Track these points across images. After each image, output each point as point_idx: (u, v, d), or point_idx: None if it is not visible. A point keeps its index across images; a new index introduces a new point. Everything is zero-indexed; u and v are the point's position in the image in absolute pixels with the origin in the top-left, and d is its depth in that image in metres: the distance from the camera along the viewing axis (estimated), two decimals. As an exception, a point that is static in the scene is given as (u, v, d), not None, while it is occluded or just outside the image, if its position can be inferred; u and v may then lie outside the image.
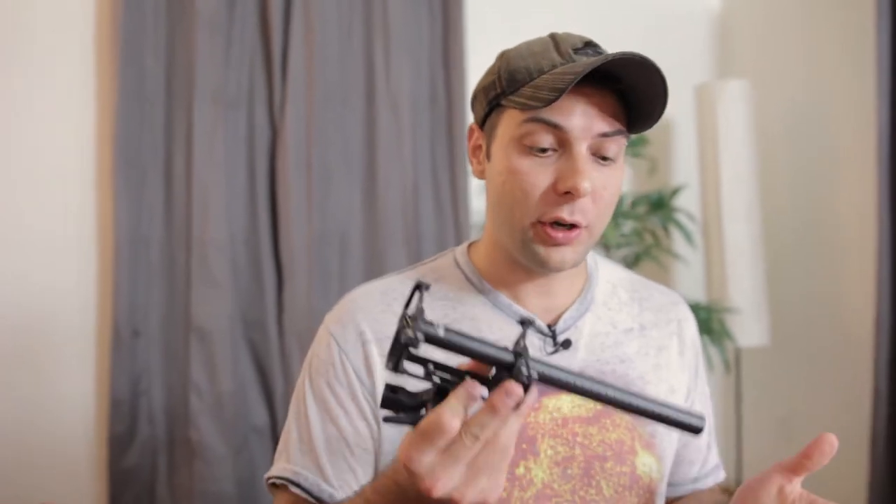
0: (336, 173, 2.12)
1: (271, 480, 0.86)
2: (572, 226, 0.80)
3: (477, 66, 2.24)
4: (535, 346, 0.87)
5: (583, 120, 0.78)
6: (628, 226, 2.34)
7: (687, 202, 2.46)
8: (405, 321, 0.58)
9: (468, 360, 0.61)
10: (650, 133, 2.41)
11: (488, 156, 0.86)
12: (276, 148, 2.09)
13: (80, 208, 2.03)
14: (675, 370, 0.97)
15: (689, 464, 1.02)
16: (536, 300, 0.89)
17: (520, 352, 0.59)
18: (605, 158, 0.81)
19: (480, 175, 0.89)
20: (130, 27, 1.98)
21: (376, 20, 2.14)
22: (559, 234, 0.80)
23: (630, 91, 0.80)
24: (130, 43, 1.99)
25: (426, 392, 0.62)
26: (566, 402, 0.87)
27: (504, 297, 0.88)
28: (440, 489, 0.58)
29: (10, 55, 1.97)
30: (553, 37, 0.84)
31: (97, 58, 2.04)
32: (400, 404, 0.61)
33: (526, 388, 0.59)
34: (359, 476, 0.84)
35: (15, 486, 1.94)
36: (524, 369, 0.59)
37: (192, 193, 2.01)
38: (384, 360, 0.83)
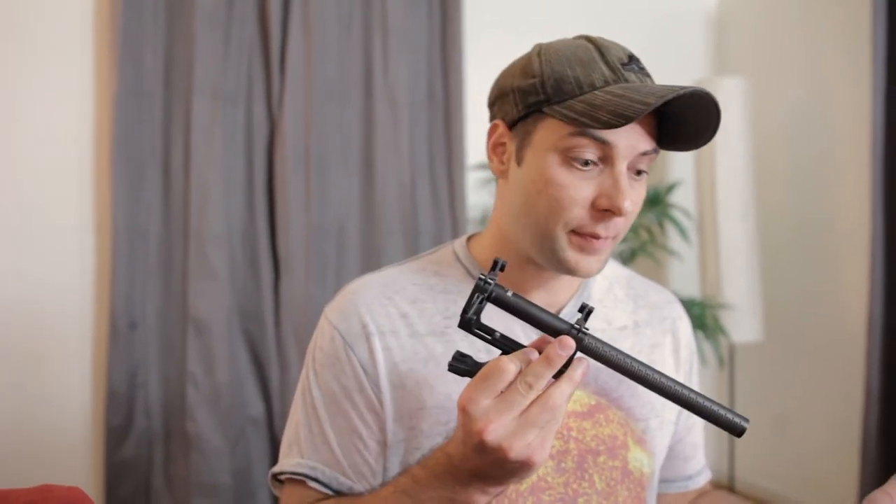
0: (334, 168, 2.13)
1: (285, 475, 0.86)
2: (605, 237, 0.82)
3: (475, 62, 2.24)
4: (532, 340, 0.88)
5: (629, 139, 0.79)
6: (624, 222, 2.35)
7: (682, 198, 2.47)
8: (479, 277, 0.66)
9: (534, 340, 0.68)
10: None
11: (518, 160, 0.84)
12: (274, 142, 2.10)
13: (79, 201, 2.04)
14: (669, 369, 0.98)
15: (684, 460, 1.04)
16: (540, 295, 0.90)
17: (576, 325, 0.66)
18: (638, 173, 0.82)
19: (502, 174, 0.88)
20: (130, 21, 1.99)
21: (375, 16, 2.15)
22: (596, 243, 0.81)
23: (677, 116, 0.80)
24: (129, 37, 1.99)
25: (491, 360, 0.67)
26: None
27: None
28: (492, 433, 0.63)
29: (7, 49, 1.97)
30: (594, 43, 0.82)
31: (96, 52, 2.04)
32: (465, 366, 0.68)
33: (577, 348, 0.65)
34: (373, 467, 0.85)
35: (12, 477, 1.95)
36: (577, 332, 0.66)
37: (190, 187, 2.01)
38: (385, 353, 0.84)
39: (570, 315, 0.91)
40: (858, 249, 2.16)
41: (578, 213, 0.79)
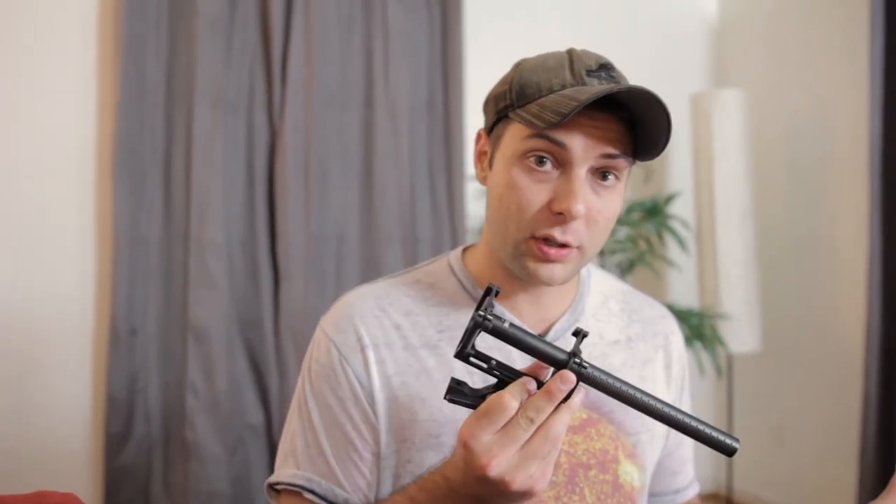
0: (334, 176, 2.14)
1: (280, 486, 0.87)
2: (563, 244, 0.80)
3: (475, 72, 2.26)
4: (525, 356, 0.89)
5: (585, 141, 0.78)
6: (623, 232, 2.36)
7: (681, 209, 2.48)
8: (477, 313, 0.66)
9: (529, 364, 0.69)
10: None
11: (491, 164, 0.86)
12: (274, 150, 2.11)
13: (80, 208, 2.05)
14: (661, 383, 0.98)
15: (673, 474, 1.03)
16: (530, 310, 0.90)
17: (574, 352, 0.66)
18: (604, 178, 0.81)
19: (483, 181, 0.89)
20: (132, 29, 2.00)
21: (376, 25, 2.16)
22: (551, 251, 0.80)
23: (637, 121, 0.80)
24: (132, 44, 2.00)
25: (488, 388, 0.68)
26: None
27: (498, 306, 0.89)
28: (495, 468, 0.63)
29: (10, 56, 1.98)
30: (570, 53, 0.83)
31: (99, 59, 2.05)
32: (463, 394, 0.68)
33: (577, 380, 0.65)
34: (368, 478, 0.85)
35: (12, 483, 1.95)
36: (576, 360, 0.66)
37: (191, 195, 2.02)
38: (379, 365, 0.85)
39: (563, 330, 0.91)
40: (856, 260, 2.17)
41: (534, 217, 0.80)
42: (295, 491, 0.85)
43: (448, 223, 2.21)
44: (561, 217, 0.79)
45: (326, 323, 0.90)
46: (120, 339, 1.98)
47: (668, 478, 1.03)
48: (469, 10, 2.30)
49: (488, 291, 0.67)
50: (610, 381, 0.67)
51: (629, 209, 2.38)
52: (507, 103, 0.82)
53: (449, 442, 0.84)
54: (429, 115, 2.22)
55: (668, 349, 1.01)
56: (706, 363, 2.33)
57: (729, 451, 0.68)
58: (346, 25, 2.16)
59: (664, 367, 0.99)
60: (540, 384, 0.66)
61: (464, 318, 0.87)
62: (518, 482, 0.64)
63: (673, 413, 0.67)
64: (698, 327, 2.24)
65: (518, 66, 0.85)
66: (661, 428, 0.97)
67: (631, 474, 0.92)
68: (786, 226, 2.52)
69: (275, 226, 2.10)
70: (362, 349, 0.86)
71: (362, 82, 2.17)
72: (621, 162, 0.81)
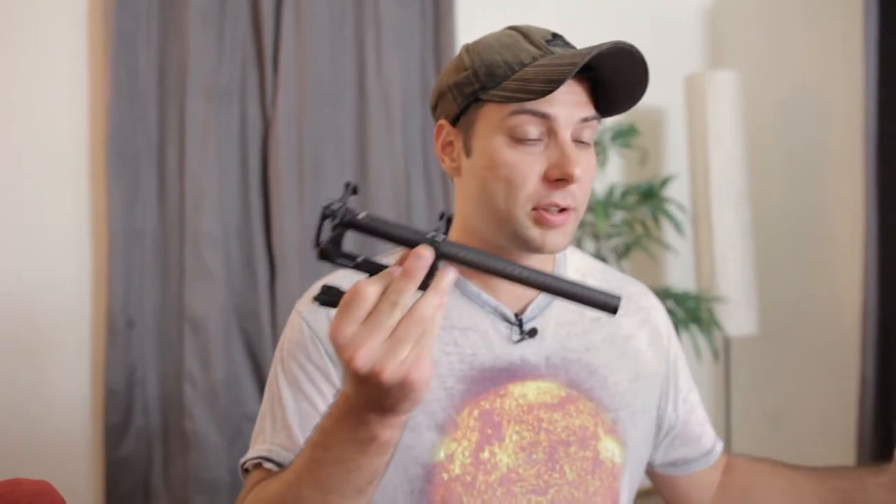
0: (328, 166, 2.13)
1: (245, 466, 0.88)
2: (562, 209, 0.83)
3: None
4: (503, 334, 0.90)
5: (566, 108, 0.82)
6: (619, 216, 2.36)
7: (677, 192, 2.48)
8: (326, 206, 0.62)
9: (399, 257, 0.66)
10: (640, 123, 2.43)
11: (467, 151, 0.87)
12: (268, 141, 2.10)
13: (74, 201, 2.04)
14: (646, 358, 0.99)
15: (697, 439, 1.05)
16: (507, 288, 0.91)
17: (434, 233, 0.63)
18: (583, 142, 0.84)
19: (454, 172, 0.90)
20: (123, 21, 1.98)
21: (367, 14, 2.15)
22: (556, 218, 0.83)
23: (609, 78, 0.83)
24: (123, 36, 1.99)
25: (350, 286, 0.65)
26: (531, 389, 0.90)
27: (473, 286, 0.90)
28: (360, 357, 0.60)
29: (1, 51, 1.97)
30: (517, 29, 0.86)
31: (90, 52, 2.04)
32: (332, 295, 0.65)
33: (435, 262, 0.62)
34: None
35: (10, 476, 1.96)
36: (430, 234, 0.63)
37: (185, 186, 2.02)
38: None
39: (540, 308, 0.92)
40: (853, 241, 2.17)
41: (533, 189, 0.82)
42: (257, 464, 0.86)
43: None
44: (561, 183, 0.82)
45: (301, 304, 0.92)
46: (117, 331, 1.98)
47: (693, 444, 1.05)
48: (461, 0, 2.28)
49: (346, 186, 0.65)
50: (473, 255, 0.64)
51: (625, 193, 2.38)
52: (475, 87, 0.84)
53: (424, 422, 0.85)
54: (422, 105, 2.22)
55: (651, 324, 1.02)
56: (703, 347, 2.33)
57: (612, 308, 0.65)
58: (338, 15, 2.15)
59: (648, 342, 1.00)
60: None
61: None
62: (389, 370, 0.60)
63: (546, 279, 0.65)
64: (695, 310, 2.25)
65: (470, 51, 0.86)
66: (644, 402, 0.98)
67: (612, 450, 0.93)
68: (782, 208, 2.52)
69: (269, 216, 2.10)
70: None
71: (355, 72, 2.16)
72: (594, 123, 0.85)
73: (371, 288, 0.60)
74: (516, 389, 0.89)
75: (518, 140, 0.82)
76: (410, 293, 0.61)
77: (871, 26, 1.96)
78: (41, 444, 2.00)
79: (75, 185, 2.04)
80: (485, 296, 0.90)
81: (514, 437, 0.88)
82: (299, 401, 0.87)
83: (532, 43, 0.83)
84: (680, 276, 2.57)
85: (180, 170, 2.03)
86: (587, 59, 0.76)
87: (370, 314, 0.60)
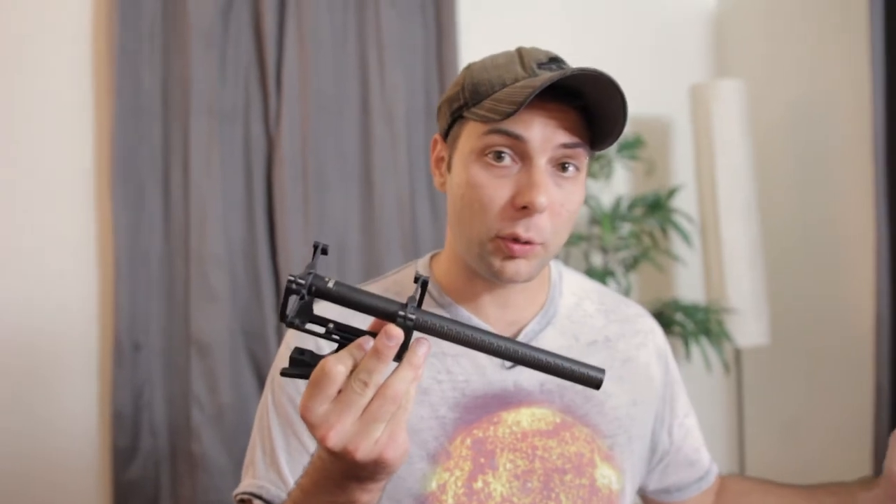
0: (332, 184, 2.13)
1: (239, 497, 0.87)
2: (527, 241, 0.80)
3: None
4: (495, 360, 0.88)
5: (543, 131, 0.78)
6: (626, 228, 2.34)
7: (684, 203, 2.46)
8: (290, 280, 0.60)
9: (373, 321, 0.63)
10: (646, 134, 2.41)
11: (449, 167, 0.86)
12: (272, 160, 2.10)
13: (81, 224, 2.04)
14: (644, 382, 0.97)
15: (690, 465, 1.03)
16: (497, 313, 0.89)
17: (406, 303, 0.61)
18: (564, 169, 0.80)
19: (442, 187, 0.89)
20: (126, 42, 1.99)
21: (370, 32, 2.15)
22: (516, 247, 0.80)
23: (592, 107, 0.80)
24: (127, 58, 1.99)
25: (332, 353, 0.63)
26: (525, 417, 0.88)
27: (464, 311, 0.89)
28: (333, 438, 0.59)
29: (5, 75, 1.98)
30: (519, 51, 0.84)
31: (94, 72, 2.05)
32: (305, 366, 0.63)
33: (408, 335, 0.60)
34: None
35: (19, 500, 1.95)
36: (401, 313, 0.60)
37: (190, 207, 2.02)
38: None
39: (534, 333, 0.90)
40: (863, 249, 2.14)
41: (498, 214, 0.79)
42: (249, 499, 0.86)
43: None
44: (525, 211, 0.78)
45: (290, 334, 0.91)
46: (124, 354, 1.98)
47: (686, 469, 1.03)
48: (463, 14, 2.28)
49: (315, 249, 0.62)
50: (446, 326, 0.62)
51: (632, 205, 2.37)
52: (460, 103, 0.82)
53: (415, 451, 0.84)
54: (426, 121, 2.21)
55: (649, 347, 1.00)
56: (713, 359, 2.31)
57: (595, 383, 0.64)
58: (341, 33, 2.15)
59: (647, 366, 0.98)
60: None
61: None
62: (362, 450, 0.59)
63: (527, 352, 0.62)
64: (704, 322, 2.23)
65: (468, 68, 0.85)
66: (640, 429, 0.97)
67: (608, 477, 0.91)
68: (790, 216, 2.50)
69: (274, 235, 2.10)
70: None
71: (358, 89, 2.16)
72: (580, 151, 0.80)
73: (340, 367, 0.59)
74: (510, 417, 0.87)
75: (490, 161, 0.80)
76: (381, 373, 0.59)
77: (878, 32, 1.95)
78: (50, 468, 1.99)
79: (81, 206, 2.04)
80: (476, 320, 0.89)
81: (508, 466, 0.86)
82: (288, 436, 0.86)
83: (522, 64, 0.81)
84: (689, 288, 2.55)
85: (185, 190, 2.03)
86: (549, 82, 0.74)
87: (341, 392, 0.59)
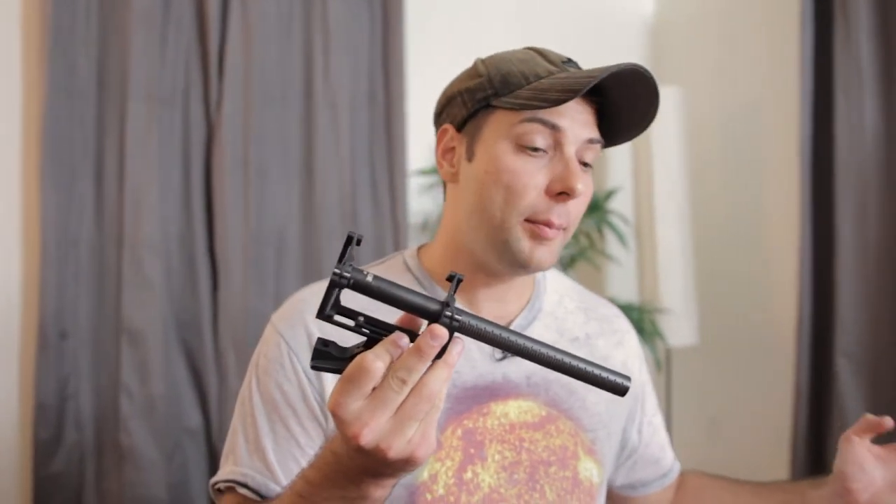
0: (273, 172, 2.10)
1: (217, 486, 0.85)
2: (558, 226, 0.83)
3: (416, 65, 2.24)
4: (486, 351, 0.89)
5: (576, 125, 0.82)
6: (564, 228, 2.38)
7: (620, 205, 2.52)
8: (336, 273, 0.58)
9: (401, 315, 0.62)
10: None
11: (469, 156, 0.86)
12: (211, 146, 2.06)
13: (6, 206, 1.96)
14: None
15: (656, 462, 1.06)
16: (490, 306, 0.90)
17: (447, 301, 0.60)
18: (585, 164, 0.84)
19: (452, 178, 0.89)
20: (60, 18, 1.92)
21: (315, 17, 2.13)
22: (549, 231, 0.82)
23: (616, 103, 0.84)
24: (60, 35, 1.93)
25: (356, 346, 0.62)
26: (513, 409, 0.89)
27: (459, 303, 0.89)
28: (367, 436, 0.58)
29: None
30: (535, 49, 0.87)
31: (24, 50, 1.97)
32: (330, 357, 0.61)
33: (451, 333, 0.60)
34: None
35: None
36: (448, 313, 0.60)
37: (124, 192, 1.96)
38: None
39: (522, 327, 0.91)
40: (788, 253, 2.23)
41: (533, 200, 0.81)
42: (231, 487, 0.84)
43: (390, 220, 2.19)
44: (561, 197, 0.81)
45: (278, 318, 0.89)
46: (49, 342, 1.91)
47: (651, 466, 1.06)
48: (410, 4, 2.28)
49: (349, 241, 0.60)
50: (488, 328, 0.62)
51: (570, 205, 2.40)
52: (488, 93, 0.83)
53: None
54: (370, 110, 2.19)
55: (626, 347, 1.03)
56: (646, 357, 2.36)
57: (620, 391, 0.64)
58: (286, 18, 2.12)
59: (623, 365, 1.01)
60: (414, 336, 0.61)
61: None
62: (395, 449, 0.59)
63: (560, 357, 0.63)
64: (638, 321, 2.28)
65: (486, 62, 0.86)
66: (617, 424, 0.99)
67: (590, 470, 0.93)
68: (721, 221, 2.58)
69: (212, 223, 2.05)
70: (312, 346, 0.85)
71: (302, 76, 2.13)
72: (598, 147, 0.85)
73: (379, 363, 0.58)
74: (498, 408, 0.88)
75: (524, 148, 0.81)
76: (422, 372, 0.58)
77: (807, 42, 2.02)
78: (-35, 462, 1.90)
79: (6, 189, 1.96)
80: (470, 312, 0.89)
81: (497, 457, 0.87)
82: (274, 422, 0.84)
83: (548, 60, 0.84)
84: (623, 288, 2.61)
85: (119, 174, 1.98)
86: (607, 73, 0.77)
87: (376, 389, 0.58)
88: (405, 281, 0.90)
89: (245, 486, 0.83)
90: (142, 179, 1.96)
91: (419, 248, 0.95)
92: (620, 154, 2.66)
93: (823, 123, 2.05)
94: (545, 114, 0.80)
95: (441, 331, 0.58)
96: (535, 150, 0.81)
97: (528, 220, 0.82)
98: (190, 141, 2.04)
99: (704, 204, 2.56)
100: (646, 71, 0.79)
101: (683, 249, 2.40)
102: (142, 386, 1.95)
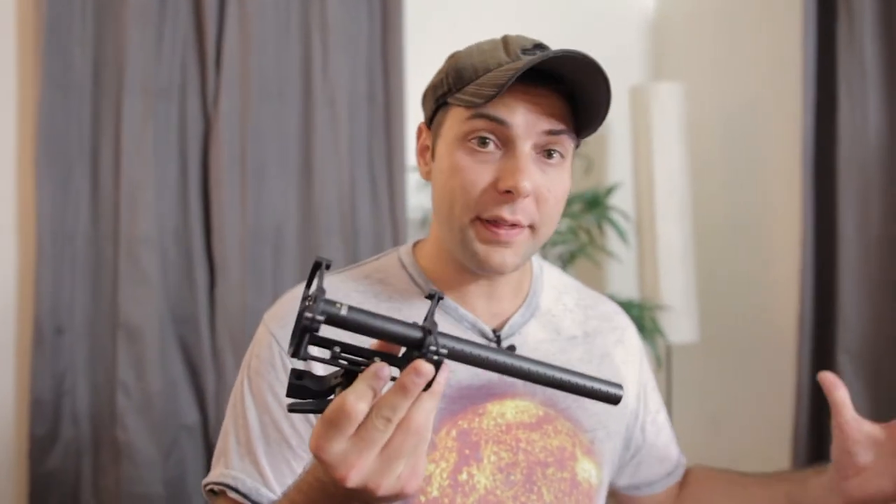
0: (271, 168, 2.08)
1: (209, 487, 0.84)
2: (514, 224, 0.79)
3: (416, 62, 2.22)
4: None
5: (526, 117, 0.78)
6: (563, 224, 2.37)
7: (621, 201, 2.50)
8: (305, 302, 0.55)
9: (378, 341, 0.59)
10: (586, 133, 2.44)
11: (433, 154, 0.85)
12: (208, 141, 2.04)
13: (1, 200, 1.95)
14: (621, 378, 0.98)
15: (661, 461, 1.05)
16: (483, 303, 0.88)
17: (429, 328, 0.57)
18: (549, 156, 0.80)
19: (427, 176, 0.87)
20: (56, 11, 1.91)
21: (314, 12, 2.11)
22: (501, 231, 0.79)
23: (575, 92, 0.79)
24: (56, 28, 1.91)
25: (334, 375, 0.59)
26: (510, 409, 0.88)
27: (450, 301, 0.87)
28: (354, 478, 0.56)
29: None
30: (504, 38, 0.83)
31: (19, 43, 1.95)
32: (307, 391, 0.59)
33: (437, 366, 0.57)
34: None
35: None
36: (433, 347, 0.57)
37: (121, 187, 1.95)
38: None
39: (518, 325, 0.90)
40: (789, 250, 2.22)
41: (480, 198, 0.78)
42: (223, 490, 0.83)
43: (389, 216, 2.18)
44: (508, 195, 0.77)
45: (269, 318, 0.87)
46: (45, 338, 1.90)
47: (656, 465, 1.04)
48: (410, 1, 2.26)
49: (316, 267, 0.56)
50: (474, 352, 0.59)
51: (570, 201, 2.39)
52: (444, 90, 0.82)
53: None
54: (369, 106, 2.18)
55: (626, 344, 1.01)
56: (647, 354, 2.35)
57: (613, 400, 0.63)
58: (284, 14, 2.10)
59: (622, 362, 0.99)
60: (395, 360, 0.58)
61: (416, 313, 0.85)
62: (385, 487, 0.57)
63: (550, 373, 0.61)
64: (639, 318, 2.26)
65: (453, 56, 0.84)
66: (616, 424, 0.97)
67: (589, 471, 0.92)
68: (722, 218, 2.57)
69: (209, 219, 2.04)
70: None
71: (300, 71, 2.12)
72: (565, 138, 0.80)
73: (361, 405, 0.55)
74: (494, 408, 0.87)
75: (473, 145, 0.79)
76: (405, 409, 0.56)
77: (810, 39, 2.01)
78: (-40, 458, 1.89)
79: (1, 183, 1.95)
80: (462, 310, 0.88)
81: (493, 458, 0.86)
82: (265, 424, 0.82)
83: (507, 51, 0.80)
84: (623, 285, 2.60)
85: (115, 169, 1.96)
86: (530, 64, 0.74)
87: (360, 428, 0.56)
88: (400, 278, 0.89)
89: (235, 490, 0.81)
90: (138, 175, 1.95)
91: (415, 244, 0.93)
92: (621, 150, 2.64)
93: (826, 120, 2.03)
94: (490, 109, 0.77)
95: (426, 367, 0.56)
96: (484, 146, 0.78)
97: (479, 220, 0.79)
98: (186, 136, 2.03)
99: (705, 200, 2.55)
100: (578, 53, 0.74)
101: (684, 246, 2.39)
102: (138, 382, 1.93)
